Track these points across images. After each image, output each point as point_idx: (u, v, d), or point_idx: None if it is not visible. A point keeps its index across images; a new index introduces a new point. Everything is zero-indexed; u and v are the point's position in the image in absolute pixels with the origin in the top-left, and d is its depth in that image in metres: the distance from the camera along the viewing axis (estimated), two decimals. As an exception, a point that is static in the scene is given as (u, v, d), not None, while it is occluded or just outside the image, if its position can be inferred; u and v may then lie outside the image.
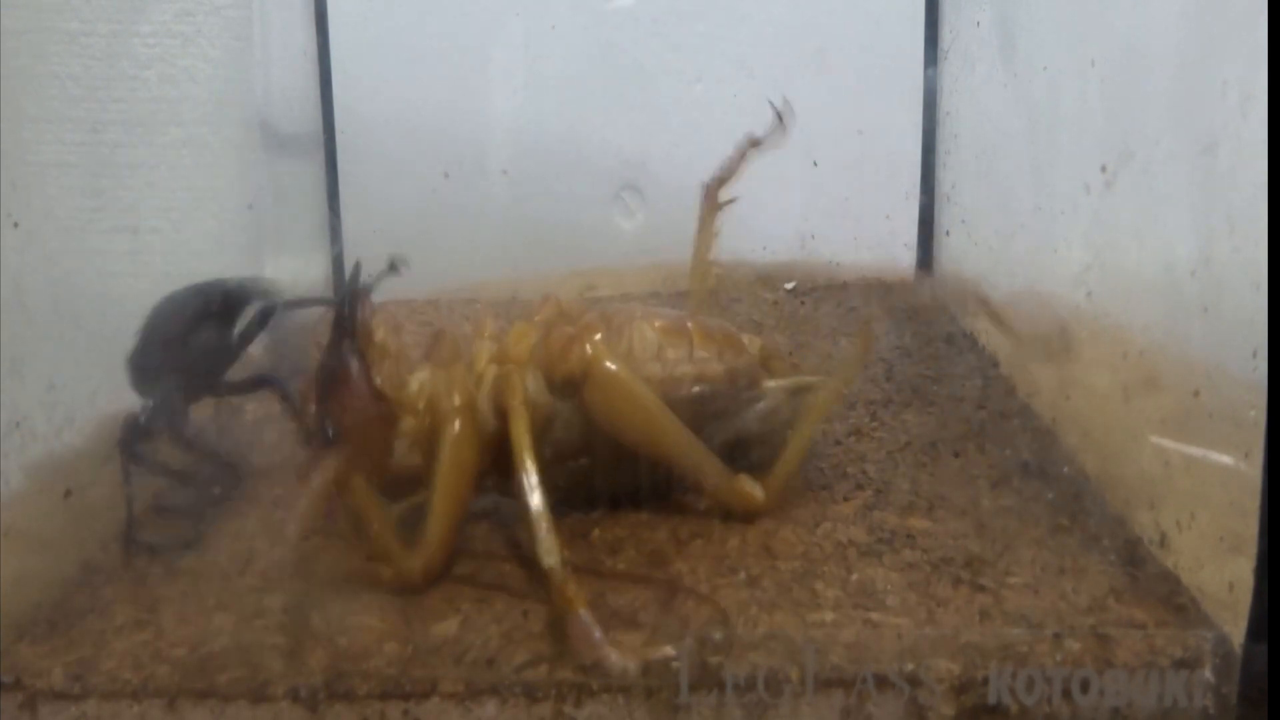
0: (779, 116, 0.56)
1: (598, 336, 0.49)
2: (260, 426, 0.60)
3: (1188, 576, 0.43)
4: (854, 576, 0.45)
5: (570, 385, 0.48)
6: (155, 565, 0.49)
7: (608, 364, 0.47)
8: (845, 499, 0.52)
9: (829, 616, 0.42)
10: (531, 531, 0.43)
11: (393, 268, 0.45)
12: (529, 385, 0.49)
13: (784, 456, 0.50)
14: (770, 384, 0.52)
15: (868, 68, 0.87)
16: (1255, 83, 0.38)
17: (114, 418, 0.55)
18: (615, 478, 0.51)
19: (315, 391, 0.46)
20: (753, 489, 0.49)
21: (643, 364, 0.49)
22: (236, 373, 0.53)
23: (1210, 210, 0.43)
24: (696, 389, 0.49)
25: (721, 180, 0.57)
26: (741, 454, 0.51)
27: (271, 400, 0.53)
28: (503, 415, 0.47)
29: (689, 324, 0.51)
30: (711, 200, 0.57)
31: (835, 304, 0.84)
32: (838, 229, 0.90)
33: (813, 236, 0.90)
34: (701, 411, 0.50)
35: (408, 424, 0.48)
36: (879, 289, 0.87)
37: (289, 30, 0.86)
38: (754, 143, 0.56)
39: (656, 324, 0.50)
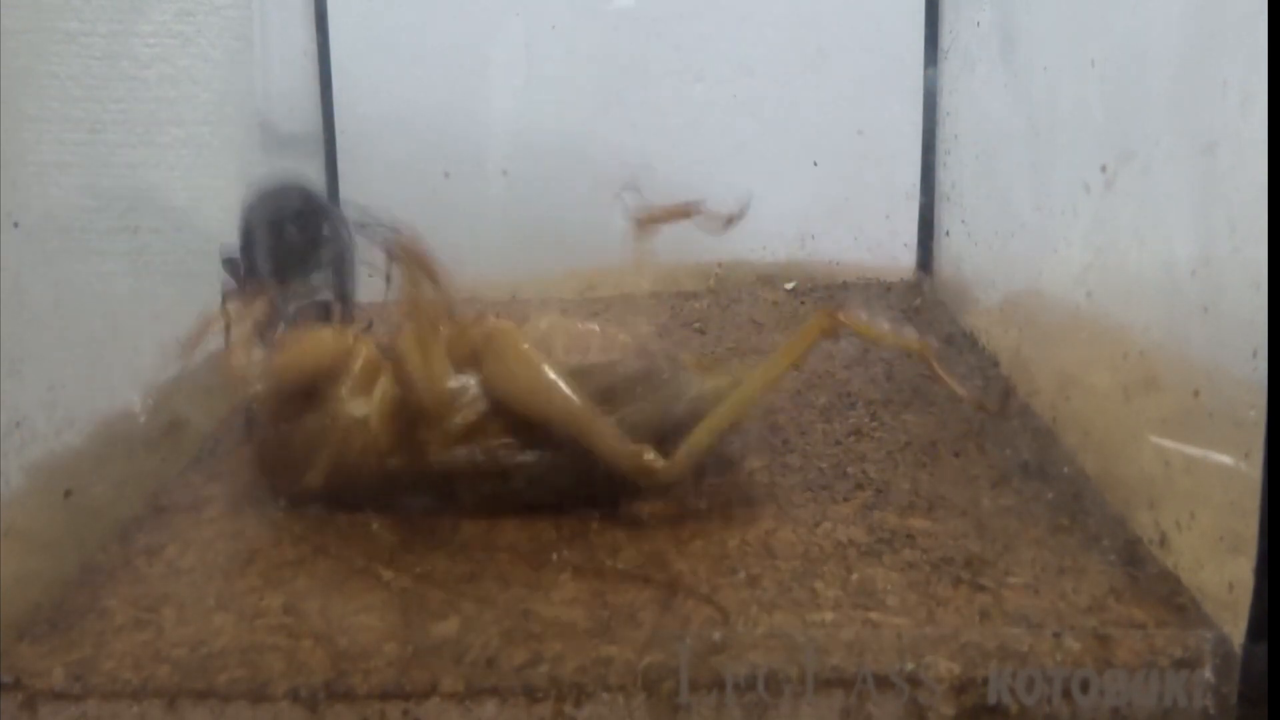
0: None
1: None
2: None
3: (1188, 576, 0.43)
4: (854, 576, 0.45)
5: (474, 358, 0.49)
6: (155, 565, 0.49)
7: (507, 328, 0.48)
8: (845, 499, 0.52)
9: (829, 616, 0.42)
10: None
11: None
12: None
13: (696, 431, 0.49)
14: (688, 375, 0.52)
15: (868, 68, 0.87)
16: (1255, 83, 0.38)
17: (114, 417, 0.55)
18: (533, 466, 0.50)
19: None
20: (653, 460, 0.48)
21: (551, 342, 0.50)
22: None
23: (1210, 210, 0.43)
24: (606, 361, 0.50)
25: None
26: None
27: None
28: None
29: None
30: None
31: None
32: (838, 229, 0.90)
33: (813, 236, 0.90)
34: (615, 393, 0.50)
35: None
36: (879, 289, 0.87)
37: (289, 30, 0.86)
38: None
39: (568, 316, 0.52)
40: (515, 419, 0.49)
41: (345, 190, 0.88)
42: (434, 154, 0.88)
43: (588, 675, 0.39)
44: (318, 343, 0.52)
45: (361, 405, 0.51)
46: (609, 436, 0.48)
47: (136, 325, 0.59)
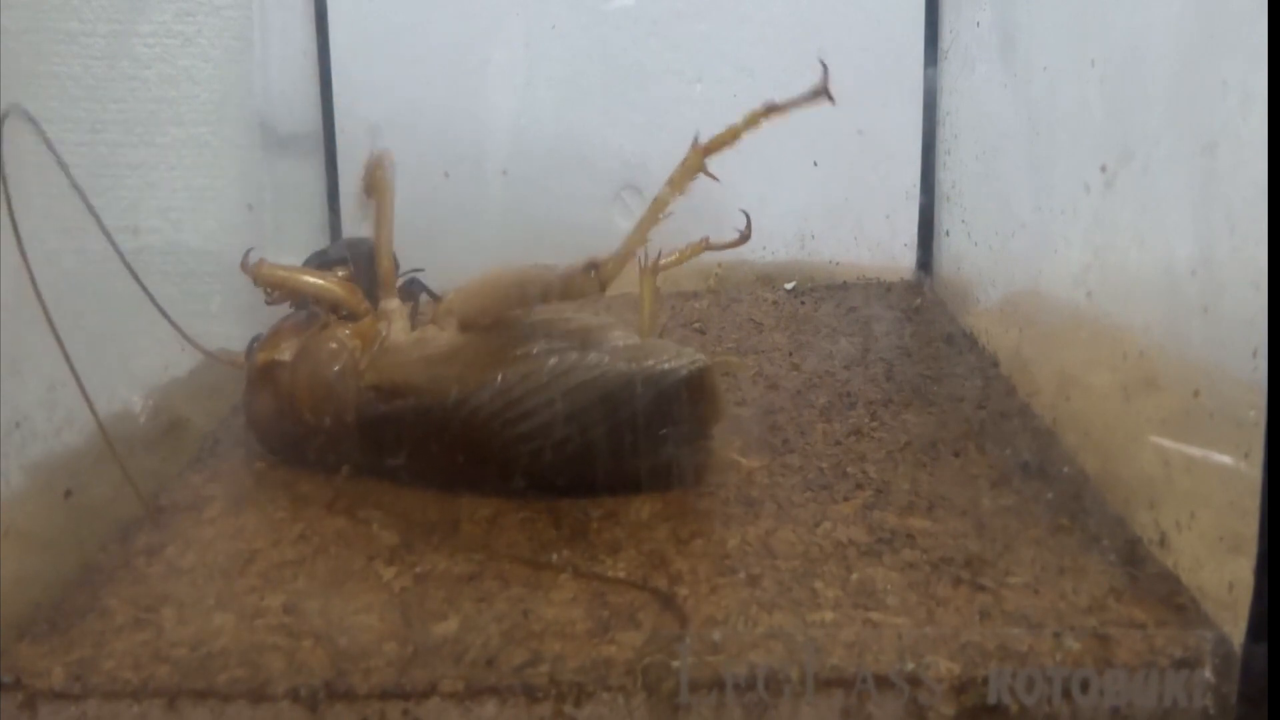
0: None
1: None
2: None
3: (1188, 576, 0.43)
4: (854, 576, 0.45)
5: (448, 312, 0.55)
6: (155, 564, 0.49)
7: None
8: (845, 499, 0.52)
9: (829, 616, 0.42)
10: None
11: None
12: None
13: (629, 235, 0.53)
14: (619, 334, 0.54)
15: (868, 68, 0.87)
16: (1255, 83, 0.38)
17: (114, 417, 0.55)
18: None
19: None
20: (594, 263, 0.51)
21: None
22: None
23: (1210, 210, 0.43)
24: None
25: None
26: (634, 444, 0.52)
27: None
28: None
29: None
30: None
31: (835, 304, 0.84)
32: (838, 229, 0.90)
33: (813, 236, 0.90)
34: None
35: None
36: (879, 289, 0.87)
37: (289, 30, 0.86)
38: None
39: None
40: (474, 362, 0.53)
41: (345, 191, 0.88)
42: (434, 154, 0.88)
43: (588, 675, 0.39)
44: (335, 281, 0.59)
45: (349, 334, 0.57)
46: (556, 270, 0.52)
47: (136, 325, 0.59)
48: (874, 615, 0.42)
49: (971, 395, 0.64)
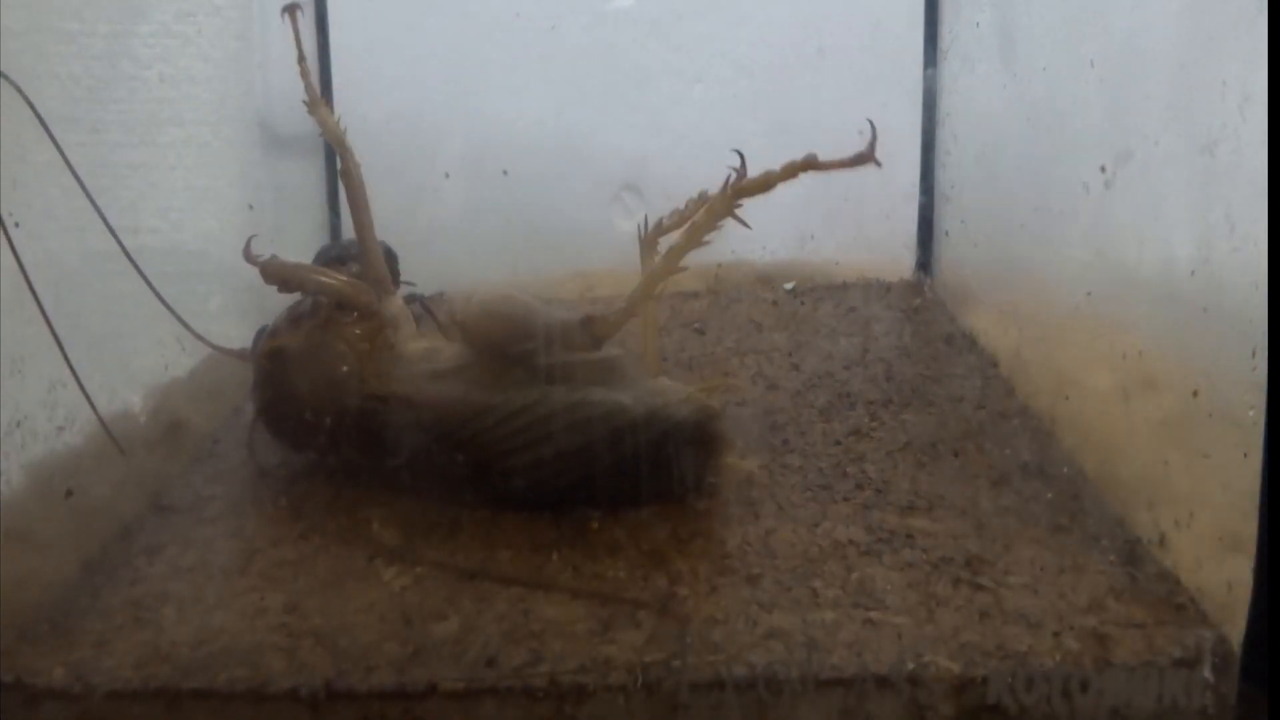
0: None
1: None
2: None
3: (1187, 576, 0.43)
4: (854, 576, 0.45)
5: (456, 325, 0.54)
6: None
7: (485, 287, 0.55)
8: (845, 499, 0.52)
9: (829, 616, 0.42)
10: None
11: None
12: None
13: (632, 292, 0.52)
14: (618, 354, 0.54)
15: (868, 68, 0.87)
16: (1255, 83, 0.38)
17: (115, 416, 0.55)
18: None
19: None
20: (595, 316, 0.52)
21: None
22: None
23: (1210, 210, 0.43)
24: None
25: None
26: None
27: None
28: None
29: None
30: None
31: (835, 304, 0.84)
32: (838, 229, 0.90)
33: (813, 236, 0.90)
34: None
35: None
36: (879, 289, 0.87)
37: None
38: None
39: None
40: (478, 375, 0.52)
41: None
42: (434, 154, 0.88)
43: (588, 675, 0.40)
44: (343, 279, 0.58)
45: (356, 337, 0.56)
46: (556, 315, 0.52)
47: (136, 325, 0.59)
48: (874, 615, 0.42)
49: (971, 395, 0.64)
